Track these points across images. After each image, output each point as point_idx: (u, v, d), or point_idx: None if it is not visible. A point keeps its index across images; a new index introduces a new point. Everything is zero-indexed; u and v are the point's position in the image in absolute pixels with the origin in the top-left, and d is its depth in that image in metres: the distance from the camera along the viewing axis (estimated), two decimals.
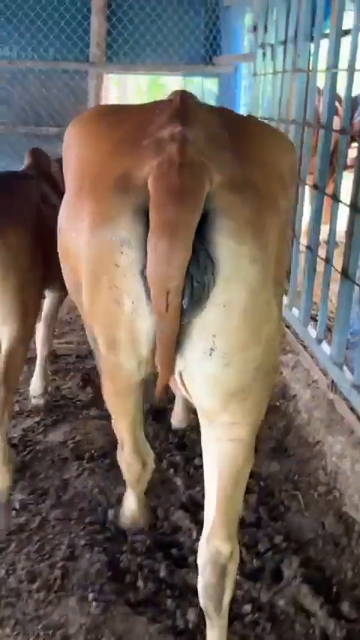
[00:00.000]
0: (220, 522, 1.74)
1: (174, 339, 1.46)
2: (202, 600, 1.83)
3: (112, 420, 2.12)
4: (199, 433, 1.74)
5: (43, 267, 2.59)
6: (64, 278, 2.00)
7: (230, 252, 1.41)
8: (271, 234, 1.51)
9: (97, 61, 6.95)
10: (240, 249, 1.41)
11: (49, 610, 2.14)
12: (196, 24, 7.03)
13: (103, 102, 7.35)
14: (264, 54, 5.04)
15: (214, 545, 1.76)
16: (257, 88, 5.19)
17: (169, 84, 15.27)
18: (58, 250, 1.93)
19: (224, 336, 1.46)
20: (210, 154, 1.45)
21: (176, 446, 3.11)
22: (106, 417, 3.30)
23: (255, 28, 5.12)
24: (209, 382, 1.53)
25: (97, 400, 3.52)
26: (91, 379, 3.75)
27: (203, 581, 1.80)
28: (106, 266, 1.47)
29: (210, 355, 1.47)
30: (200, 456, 3.01)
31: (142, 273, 1.43)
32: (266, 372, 1.58)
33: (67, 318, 4.68)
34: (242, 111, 6.53)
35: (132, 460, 2.22)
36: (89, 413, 3.38)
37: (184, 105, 1.60)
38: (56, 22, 6.75)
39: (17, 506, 2.64)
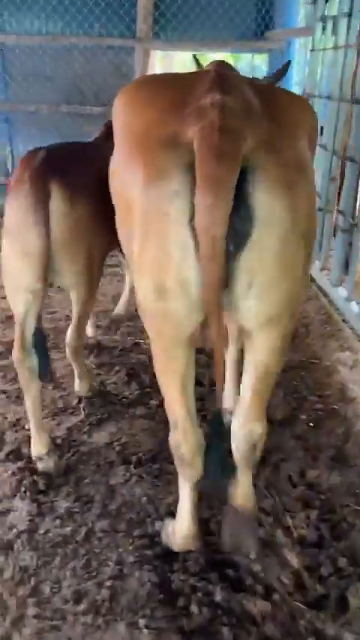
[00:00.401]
0: (256, 409, 2.07)
1: (221, 281, 1.67)
2: (240, 463, 2.18)
3: (164, 396, 2.11)
4: None
5: (108, 232, 2.58)
6: (118, 232, 2.19)
7: (266, 202, 1.66)
8: (300, 188, 1.74)
9: (144, 36, 6.70)
10: (274, 199, 1.67)
11: (97, 636, 1.98)
12: None
13: None
14: (324, 27, 4.72)
15: (249, 427, 2.09)
16: (315, 65, 4.87)
17: (213, 59, 14.88)
18: (115, 202, 2.11)
19: (260, 272, 1.72)
20: (245, 119, 1.69)
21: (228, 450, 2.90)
22: (153, 415, 3.20)
23: (314, 0, 4.77)
24: (249, 311, 1.80)
25: (144, 397, 3.35)
26: (136, 374, 3.58)
27: (239, 453, 2.15)
28: (158, 215, 1.68)
29: (250, 289, 1.74)
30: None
31: (190, 223, 1.65)
32: (293, 302, 1.86)
33: (111, 307, 4.51)
34: (295, 89, 6.21)
35: (183, 439, 2.11)
36: (135, 412, 3.21)
37: (220, 75, 1.81)
38: None
39: (62, 515, 2.49)
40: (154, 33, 6.73)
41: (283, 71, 3.23)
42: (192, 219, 1.65)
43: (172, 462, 2.74)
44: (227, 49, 6.95)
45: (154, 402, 3.30)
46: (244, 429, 2.10)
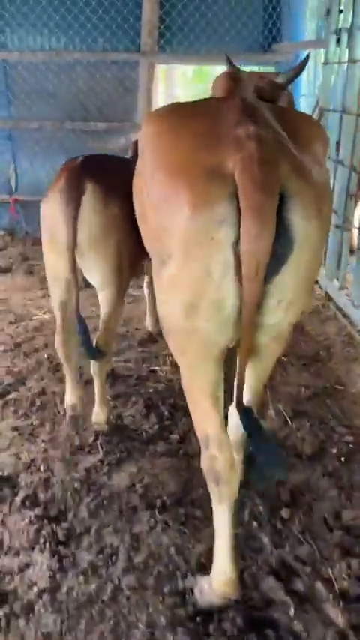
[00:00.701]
0: (259, 396, 2.27)
1: (258, 301, 1.81)
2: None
3: (193, 416, 2.14)
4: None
5: (139, 240, 2.57)
6: (149, 250, 2.29)
7: (302, 226, 1.79)
8: (326, 210, 1.91)
9: (149, 50, 6.57)
10: (309, 223, 1.80)
11: None
12: (255, 9, 6.57)
13: (154, 94, 6.97)
14: (338, 40, 4.58)
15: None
16: (328, 79, 4.73)
17: (214, 72, 14.79)
18: (147, 226, 2.19)
19: (291, 290, 1.86)
20: (279, 149, 1.82)
21: (258, 492, 2.73)
22: (175, 452, 3.02)
23: (328, 12, 4.65)
24: (274, 326, 1.94)
25: (163, 431, 3.18)
26: (154, 405, 3.41)
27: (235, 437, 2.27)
28: (205, 239, 1.79)
29: (280, 305, 1.87)
30: (287, 505, 2.69)
31: (233, 247, 1.77)
32: (308, 299, 2.09)
33: (123, 331, 4.35)
34: (302, 102, 6.08)
35: (220, 455, 2.08)
36: (156, 448, 3.03)
37: (246, 104, 1.97)
38: (106, 10, 6.39)
39: (85, 569, 2.31)
40: (159, 46, 6.61)
41: (301, 68, 3.20)
42: (235, 243, 1.77)
43: (199, 506, 2.61)
44: (234, 63, 6.80)
45: (174, 437, 3.14)
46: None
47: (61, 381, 3.62)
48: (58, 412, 3.33)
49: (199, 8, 6.49)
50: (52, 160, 6.88)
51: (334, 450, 3.05)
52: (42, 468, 2.86)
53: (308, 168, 1.87)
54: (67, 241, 2.72)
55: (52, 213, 2.79)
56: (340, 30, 4.49)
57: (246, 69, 6.27)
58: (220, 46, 6.61)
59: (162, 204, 1.94)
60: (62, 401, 3.41)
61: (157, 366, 3.86)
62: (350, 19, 4.30)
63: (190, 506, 2.66)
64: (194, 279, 1.84)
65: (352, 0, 4.22)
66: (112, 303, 3.00)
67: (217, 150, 1.82)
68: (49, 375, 3.73)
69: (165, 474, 2.84)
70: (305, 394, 3.53)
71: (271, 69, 6.82)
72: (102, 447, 3.03)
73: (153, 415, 3.31)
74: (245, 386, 2.05)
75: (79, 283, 2.88)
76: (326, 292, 4.76)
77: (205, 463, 2.13)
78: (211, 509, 2.24)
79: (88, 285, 3.03)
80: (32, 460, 2.94)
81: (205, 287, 1.83)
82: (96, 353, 2.97)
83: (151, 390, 3.58)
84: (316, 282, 5.08)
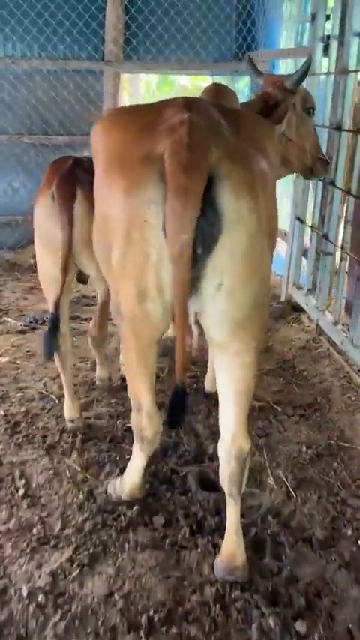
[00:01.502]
0: (240, 428, 2.20)
1: (187, 284, 1.84)
2: (228, 486, 2.29)
3: (130, 386, 2.38)
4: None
5: None
6: (96, 249, 2.37)
7: (232, 206, 1.86)
8: (261, 193, 1.96)
9: (114, 59, 6.07)
10: (239, 203, 1.86)
11: None
12: (227, 15, 6.13)
13: (120, 104, 6.46)
14: (326, 48, 4.15)
15: (238, 445, 2.21)
16: (314, 90, 4.28)
17: (178, 82, 14.38)
18: (96, 219, 2.27)
19: (229, 273, 1.89)
20: (211, 134, 1.92)
21: (267, 600, 2.22)
22: (160, 542, 2.45)
23: (313, 17, 4.22)
24: (220, 315, 1.95)
25: (145, 513, 2.64)
26: None
27: (229, 471, 2.26)
28: (138, 222, 1.87)
29: (219, 290, 1.90)
30: (302, 615, 2.19)
31: (164, 229, 1.84)
32: (262, 304, 2.04)
33: (91, 377, 3.80)
34: None
35: (148, 423, 2.40)
36: (137, 538, 2.49)
37: (188, 99, 2.12)
38: (66, 15, 5.85)
39: None
40: (125, 54, 6.11)
41: (304, 70, 3.34)
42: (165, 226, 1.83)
43: (194, 620, 2.09)
44: (205, 72, 6.36)
45: (158, 520, 2.61)
46: (235, 446, 2.23)
47: (20, 447, 3.06)
48: (17, 491, 2.75)
49: (167, 13, 6.02)
50: (8, 177, 6.31)
51: (349, 532, 2.57)
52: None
53: (245, 157, 1.96)
54: (62, 246, 2.80)
55: (45, 218, 2.89)
56: (329, 37, 4.06)
57: (219, 79, 5.81)
58: (190, 55, 6.16)
59: (104, 193, 2.07)
60: (22, 475, 2.85)
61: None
62: (338, 26, 3.87)
63: (184, 621, 2.13)
64: (137, 264, 1.91)
65: (341, 4, 3.79)
66: (105, 293, 3.22)
67: (151, 137, 1.92)
68: (4, 438, 3.15)
69: (150, 577, 2.31)
70: (307, 455, 3.05)
71: (246, 79, 6.40)
72: (71, 539, 2.48)
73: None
74: (226, 406, 2.21)
75: (69, 283, 3.02)
76: (317, 325, 4.29)
77: (134, 424, 2.46)
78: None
79: (82, 281, 3.32)
80: None
81: (148, 271, 1.90)
82: (52, 354, 3.10)
83: (127, 456, 3.02)
84: (303, 311, 4.63)
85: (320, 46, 4.18)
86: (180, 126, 1.86)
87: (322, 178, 4.00)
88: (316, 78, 4.28)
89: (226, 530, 2.36)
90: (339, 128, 3.85)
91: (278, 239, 5.57)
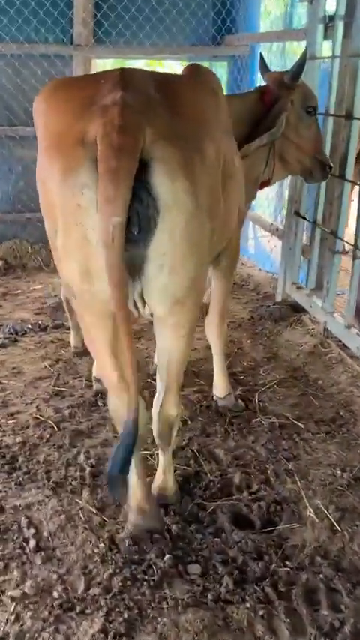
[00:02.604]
0: (169, 395, 2.39)
1: (120, 267, 1.83)
2: (158, 441, 2.53)
3: (97, 365, 2.64)
4: None
5: None
6: (47, 229, 2.23)
7: (167, 188, 1.86)
8: (202, 173, 1.98)
9: (84, 43, 5.63)
10: (174, 185, 1.87)
11: None
12: None
13: None
14: (326, 30, 3.86)
15: (166, 411, 2.42)
16: (314, 76, 3.99)
17: (152, 68, 13.86)
18: (40, 197, 2.19)
19: (170, 254, 1.93)
20: (145, 114, 1.88)
21: None
22: (202, 597, 2.08)
23: None
24: (161, 292, 2.03)
25: (178, 562, 2.32)
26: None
27: (158, 431, 2.48)
28: (73, 206, 1.88)
29: (161, 270, 1.95)
30: None
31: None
32: (199, 279, 2.15)
33: (92, 395, 3.43)
34: None
35: (118, 400, 2.30)
36: (174, 593, 2.16)
37: (125, 73, 2.06)
38: None
39: None
40: (96, 38, 5.67)
41: (301, 64, 3.27)
42: None
43: None
44: (182, 56, 5.96)
45: (194, 569, 2.30)
46: (163, 411, 2.41)
47: (22, 486, 2.68)
48: (26, 543, 2.38)
49: None
50: None
51: None
52: None
53: (182, 136, 1.93)
54: None
55: None
56: (331, 18, 3.76)
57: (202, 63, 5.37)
58: (166, 39, 5.77)
59: (45, 174, 2.04)
60: (29, 522, 2.48)
61: (145, 449, 2.98)
62: (345, 5, 3.58)
63: None
64: (78, 246, 1.91)
65: None
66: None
67: (86, 117, 1.89)
68: (2, 476, 2.76)
69: None
70: (344, 479, 2.77)
71: (223, 64, 6.06)
72: (99, 602, 2.13)
73: (157, 535, 2.44)
74: (160, 376, 2.37)
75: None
76: (325, 329, 4.03)
77: (109, 406, 2.43)
78: None
79: None
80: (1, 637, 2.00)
81: (88, 253, 1.90)
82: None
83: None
84: (304, 311, 4.36)
85: (320, 28, 3.88)
86: (112, 107, 1.85)
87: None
88: (316, 62, 3.98)
89: (158, 469, 2.63)
90: (349, 116, 3.56)
91: (269, 234, 5.33)
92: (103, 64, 10.21)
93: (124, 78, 2.00)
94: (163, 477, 2.62)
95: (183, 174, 1.88)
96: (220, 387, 3.39)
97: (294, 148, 3.49)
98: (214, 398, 3.39)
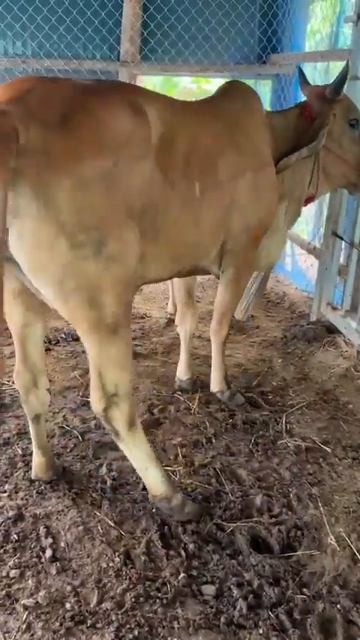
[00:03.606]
0: (92, 391, 2.44)
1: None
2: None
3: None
4: None
5: None
6: None
7: (21, 198, 1.95)
8: (60, 187, 1.99)
9: (131, 59, 5.72)
10: (23, 195, 1.95)
11: None
12: (251, 15, 5.80)
13: None
14: None
15: (94, 406, 2.46)
16: (357, 97, 3.95)
17: (183, 84, 14.02)
18: None
19: (25, 258, 2.09)
20: (24, 125, 1.92)
21: None
22: (214, 618, 2.01)
23: (359, 17, 3.89)
24: (42, 291, 2.20)
25: (192, 582, 2.29)
26: (173, 533, 2.53)
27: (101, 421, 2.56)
28: None
29: (27, 271, 2.13)
30: None
31: None
32: (75, 284, 2.15)
33: None
34: None
35: (17, 377, 2.64)
36: (187, 614, 2.13)
37: (19, 82, 2.16)
38: (81, 11, 5.50)
39: None
40: (143, 55, 5.76)
41: (342, 78, 3.24)
42: None
43: None
44: (226, 74, 6.01)
45: (208, 590, 2.26)
46: (93, 407, 2.47)
47: (43, 495, 2.70)
48: (43, 552, 2.40)
49: (187, 12, 5.68)
50: None
51: None
52: None
53: (48, 152, 1.95)
54: None
55: None
56: None
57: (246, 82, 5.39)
58: (211, 56, 5.82)
59: None
60: (48, 531, 2.49)
61: (167, 464, 2.97)
62: None
63: None
64: None
65: None
66: None
67: None
68: (25, 484, 2.79)
69: None
70: None
71: (268, 82, 6.07)
72: (110, 617, 2.12)
73: (174, 552, 2.42)
74: None
75: None
76: (359, 352, 3.96)
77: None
78: None
79: None
80: None
81: None
82: None
83: (154, 509, 2.68)
84: (338, 332, 4.29)
85: None
86: None
87: None
88: (358, 82, 3.95)
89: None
90: None
91: (305, 253, 5.28)
92: (151, 80, 10.39)
93: (17, 86, 2.08)
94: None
95: (33, 190, 1.94)
96: (214, 382, 3.57)
97: (339, 162, 3.48)
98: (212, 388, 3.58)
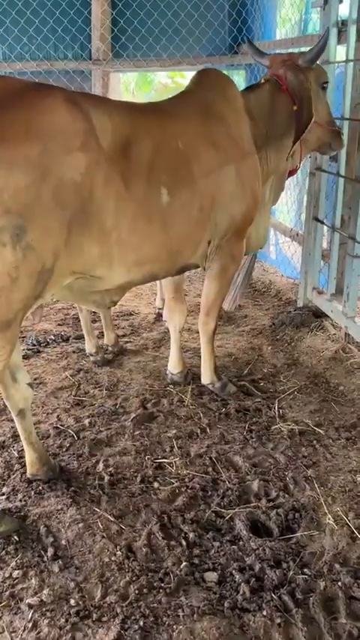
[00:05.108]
0: None
1: None
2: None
3: None
4: None
5: None
6: None
7: None
8: None
9: (102, 57, 5.73)
10: None
11: None
12: (220, 6, 5.81)
13: None
14: (339, 34, 3.85)
15: None
16: (329, 81, 3.97)
17: (158, 79, 14.01)
18: None
19: None
20: None
21: None
22: (218, 604, 2.06)
23: (326, 2, 3.90)
24: None
25: (195, 570, 2.31)
26: (173, 524, 2.55)
27: None
28: None
29: None
30: None
31: None
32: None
33: (109, 405, 3.46)
34: None
35: None
36: (190, 602, 2.15)
37: None
38: (49, 12, 5.49)
39: None
40: (114, 52, 5.76)
41: (321, 46, 3.21)
42: None
43: None
44: (198, 67, 6.00)
45: (211, 577, 2.29)
46: None
47: (41, 495, 2.71)
48: (45, 551, 2.41)
49: (156, 6, 5.69)
50: None
51: None
52: None
53: None
54: None
55: None
56: (343, 22, 3.75)
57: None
58: (183, 50, 5.82)
59: None
60: (48, 530, 2.50)
61: (163, 457, 2.99)
62: (357, 10, 3.57)
63: None
64: None
65: None
66: None
67: None
68: (23, 486, 2.80)
69: None
70: None
71: (242, 72, 6.08)
72: (115, 609, 2.14)
73: (174, 542, 2.44)
74: None
75: None
76: (346, 334, 3.99)
77: None
78: None
79: None
80: None
81: None
82: None
83: (161, 497, 2.71)
84: (325, 316, 4.32)
85: (334, 32, 3.87)
86: None
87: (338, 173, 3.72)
88: (331, 67, 3.97)
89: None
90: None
91: (289, 240, 5.31)
92: (126, 77, 10.32)
93: None
94: (29, 448, 2.78)
95: None
96: (204, 374, 3.59)
97: (314, 127, 3.44)
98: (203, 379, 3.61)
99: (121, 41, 5.73)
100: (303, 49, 4.80)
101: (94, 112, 2.38)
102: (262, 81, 3.48)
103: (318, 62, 3.41)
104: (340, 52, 3.98)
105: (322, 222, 4.28)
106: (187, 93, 3.19)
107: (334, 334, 4.16)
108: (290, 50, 5.00)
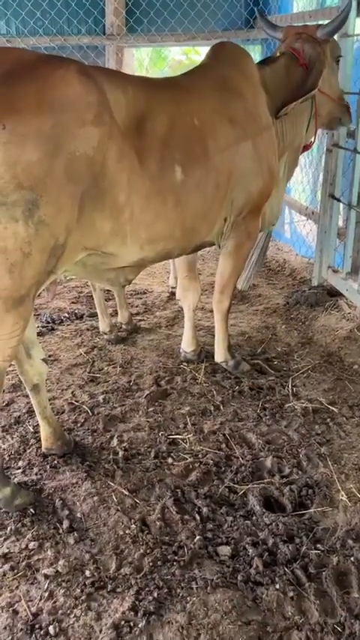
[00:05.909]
0: None
1: None
2: None
3: None
4: None
5: None
6: None
7: None
8: None
9: (116, 32, 5.65)
10: None
11: None
12: None
13: None
14: (358, 5, 3.77)
15: None
16: (348, 54, 3.90)
17: (172, 56, 13.81)
18: None
19: None
20: None
21: None
22: (232, 577, 2.08)
23: None
24: None
25: (208, 543, 2.34)
26: (187, 499, 2.57)
27: None
28: None
29: None
30: None
31: None
32: None
33: (124, 382, 3.47)
34: None
35: None
36: (204, 574, 2.18)
37: None
38: None
39: None
40: (129, 27, 5.68)
41: (342, 19, 3.19)
42: None
43: None
44: (214, 42, 5.90)
45: (224, 550, 2.31)
46: None
47: (57, 469, 2.74)
48: (60, 523, 2.44)
49: None
50: None
51: None
52: (51, 631, 1.99)
53: None
54: None
55: None
56: None
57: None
58: (198, 24, 5.73)
59: None
60: (64, 503, 2.53)
61: (177, 433, 3.01)
62: None
63: None
64: None
65: None
66: None
67: None
68: (38, 460, 2.83)
69: (227, 624, 2.01)
70: None
71: (257, 47, 5.99)
72: (130, 581, 2.17)
73: (188, 517, 2.47)
74: None
75: None
76: None
77: None
78: None
79: None
80: (35, 615, 2.06)
81: None
82: None
83: (175, 472, 2.73)
84: (340, 295, 4.29)
85: (354, 4, 3.78)
86: None
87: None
88: (349, 40, 3.89)
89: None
90: None
91: (304, 219, 5.26)
92: (139, 53, 10.21)
93: None
94: (43, 422, 2.82)
95: None
96: (218, 352, 3.57)
97: (327, 100, 3.45)
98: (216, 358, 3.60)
99: (135, 15, 5.65)
100: (320, 23, 4.74)
101: (108, 85, 2.34)
102: (278, 54, 3.42)
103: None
104: (358, 25, 3.89)
105: (339, 200, 4.23)
106: (202, 67, 3.15)
107: (349, 313, 4.13)
108: (307, 23, 4.93)
